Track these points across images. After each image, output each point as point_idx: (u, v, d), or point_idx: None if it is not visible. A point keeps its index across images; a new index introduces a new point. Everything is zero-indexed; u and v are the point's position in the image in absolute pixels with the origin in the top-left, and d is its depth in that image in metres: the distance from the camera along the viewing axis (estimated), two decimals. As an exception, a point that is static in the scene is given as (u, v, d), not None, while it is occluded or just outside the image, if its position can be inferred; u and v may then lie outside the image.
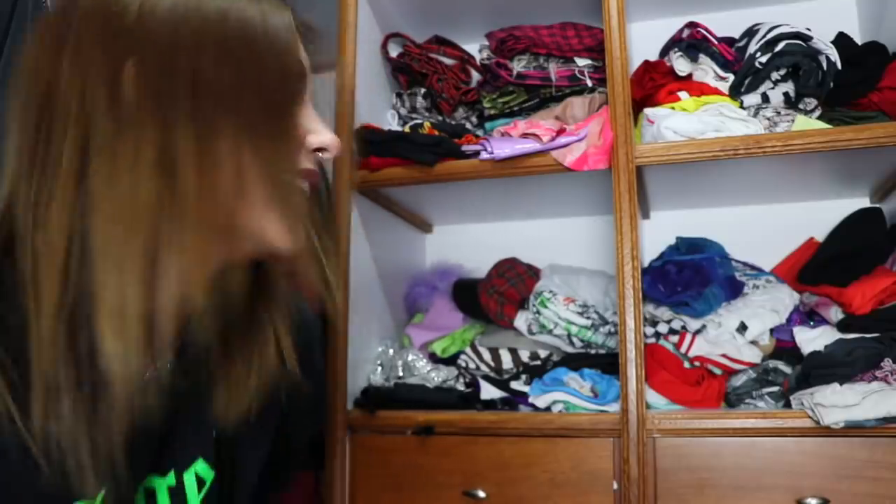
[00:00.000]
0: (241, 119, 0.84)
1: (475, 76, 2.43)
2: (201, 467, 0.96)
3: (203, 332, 0.91)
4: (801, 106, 1.92)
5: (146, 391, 0.82)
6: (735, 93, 1.97)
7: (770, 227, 2.31)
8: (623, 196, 1.86)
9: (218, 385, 0.96)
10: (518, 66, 2.16)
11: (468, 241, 2.64)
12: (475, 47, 2.45)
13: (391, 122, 2.34)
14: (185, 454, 0.95)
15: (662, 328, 1.98)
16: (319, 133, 0.98)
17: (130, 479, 0.82)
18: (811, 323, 1.96)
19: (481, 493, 1.86)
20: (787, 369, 1.88)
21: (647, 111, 1.97)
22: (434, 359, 2.19)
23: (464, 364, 2.15)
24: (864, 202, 2.22)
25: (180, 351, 0.94)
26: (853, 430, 1.61)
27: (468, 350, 2.16)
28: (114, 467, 0.77)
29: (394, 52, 2.41)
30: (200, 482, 0.95)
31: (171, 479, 0.92)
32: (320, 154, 0.98)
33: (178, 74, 0.80)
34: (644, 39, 2.33)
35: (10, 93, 0.83)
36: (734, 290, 2.02)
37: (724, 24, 2.14)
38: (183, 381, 0.93)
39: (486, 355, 2.13)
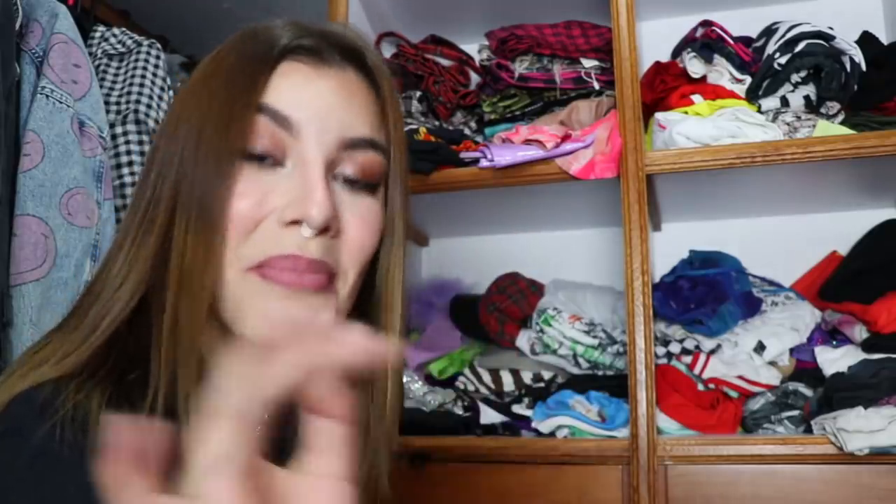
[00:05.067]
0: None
1: (474, 78, 2.45)
2: None
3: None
4: (822, 110, 1.94)
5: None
6: (752, 96, 1.98)
7: (790, 239, 2.32)
8: (632, 206, 1.86)
9: None
10: (520, 67, 2.17)
11: (467, 255, 2.65)
12: (474, 47, 2.46)
13: (384, 127, 2.34)
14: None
15: (674, 348, 1.98)
16: (298, 202, 0.85)
17: None
18: (834, 342, 1.96)
19: (481, 525, 1.86)
20: (807, 392, 1.88)
21: (658, 116, 1.98)
22: (430, 381, 2.19)
23: (462, 386, 2.15)
24: (891, 213, 2.22)
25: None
26: (878, 456, 1.62)
27: (467, 371, 2.16)
28: None
29: (387, 52, 2.42)
30: None
31: None
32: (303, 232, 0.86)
33: None
34: (655, 39, 2.34)
35: None
36: (751, 307, 2.03)
37: (740, 22, 2.15)
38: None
39: (486, 377, 2.14)
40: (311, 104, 0.89)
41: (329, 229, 0.87)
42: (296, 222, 0.85)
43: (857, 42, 1.96)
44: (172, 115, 0.92)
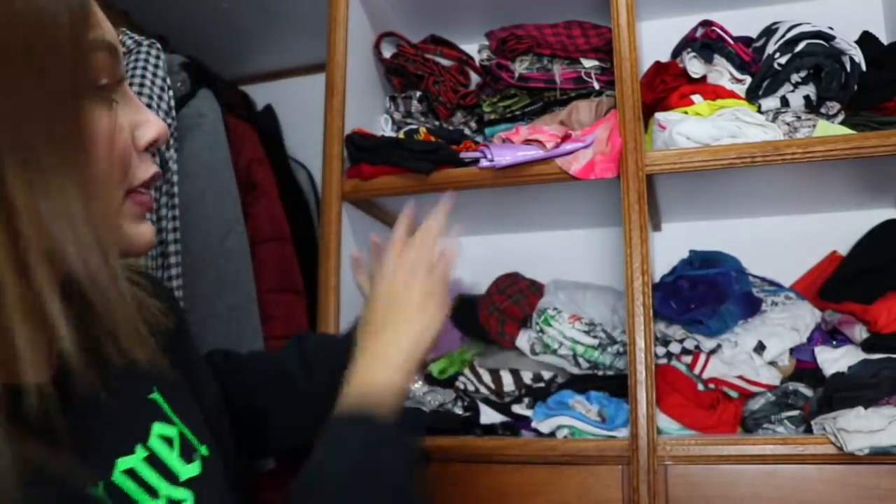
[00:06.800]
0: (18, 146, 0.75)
1: (474, 78, 2.45)
2: (160, 429, 0.98)
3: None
4: (822, 110, 1.94)
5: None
6: (752, 96, 1.98)
7: (790, 239, 2.32)
8: (632, 206, 1.86)
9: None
10: (520, 67, 2.18)
11: (466, 255, 2.62)
12: (474, 47, 2.46)
13: (384, 128, 2.35)
14: (137, 426, 0.96)
15: (674, 348, 1.99)
16: (146, 124, 0.90)
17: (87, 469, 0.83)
18: (834, 342, 1.96)
19: (481, 525, 1.86)
20: (808, 392, 1.88)
21: (659, 116, 1.98)
22: (430, 381, 2.20)
23: (462, 386, 2.15)
24: (891, 213, 2.22)
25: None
26: (879, 456, 1.62)
27: (467, 371, 2.16)
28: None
29: (387, 52, 2.42)
30: (169, 441, 0.98)
31: (141, 452, 0.93)
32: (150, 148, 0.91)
33: None
34: (655, 39, 2.35)
35: None
36: (751, 307, 2.03)
37: (740, 22, 2.16)
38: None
39: (486, 377, 2.14)
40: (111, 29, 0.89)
41: None
42: (150, 143, 0.90)
43: (857, 42, 1.97)
44: None
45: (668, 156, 1.88)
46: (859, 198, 2.20)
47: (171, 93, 2.02)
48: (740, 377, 1.91)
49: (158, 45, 2.03)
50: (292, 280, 2.46)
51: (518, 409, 2.09)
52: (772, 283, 2.18)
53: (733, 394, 1.93)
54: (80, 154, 0.80)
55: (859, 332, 1.88)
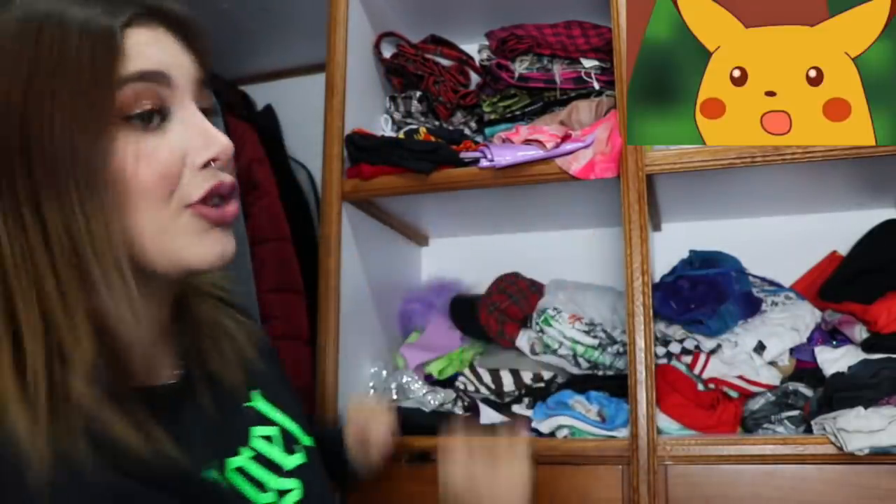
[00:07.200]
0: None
1: (474, 78, 2.44)
2: (259, 431, 1.09)
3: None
4: (822, 110, 1.94)
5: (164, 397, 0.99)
6: (752, 96, 1.98)
7: (790, 239, 2.32)
8: (632, 206, 1.86)
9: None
10: (520, 67, 2.17)
11: (467, 255, 2.65)
12: (474, 47, 2.46)
13: (384, 128, 2.35)
14: (237, 432, 1.07)
15: (674, 348, 1.98)
16: (206, 143, 0.94)
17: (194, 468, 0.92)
18: (834, 342, 1.96)
19: (481, 525, 1.86)
20: (808, 392, 1.88)
21: (658, 116, 1.98)
22: (430, 381, 2.19)
23: (462, 386, 2.15)
24: (891, 213, 2.22)
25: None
26: (879, 456, 1.61)
27: (467, 371, 2.16)
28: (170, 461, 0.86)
29: (387, 52, 2.42)
30: (268, 438, 1.10)
31: (246, 452, 1.05)
32: (212, 165, 0.94)
33: None
34: (655, 39, 2.34)
35: None
36: (751, 307, 2.03)
37: (740, 22, 2.15)
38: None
39: (486, 377, 2.14)
40: (174, 57, 0.95)
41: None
42: (207, 163, 0.93)
43: (857, 42, 1.97)
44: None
45: (668, 156, 1.87)
46: (859, 198, 2.20)
47: (171, 93, 2.01)
48: (740, 377, 1.91)
49: (158, 46, 2.02)
50: (292, 280, 2.46)
51: (518, 409, 2.08)
52: (772, 283, 2.18)
53: (733, 394, 1.92)
54: (108, 180, 0.85)
55: (859, 332, 1.88)
